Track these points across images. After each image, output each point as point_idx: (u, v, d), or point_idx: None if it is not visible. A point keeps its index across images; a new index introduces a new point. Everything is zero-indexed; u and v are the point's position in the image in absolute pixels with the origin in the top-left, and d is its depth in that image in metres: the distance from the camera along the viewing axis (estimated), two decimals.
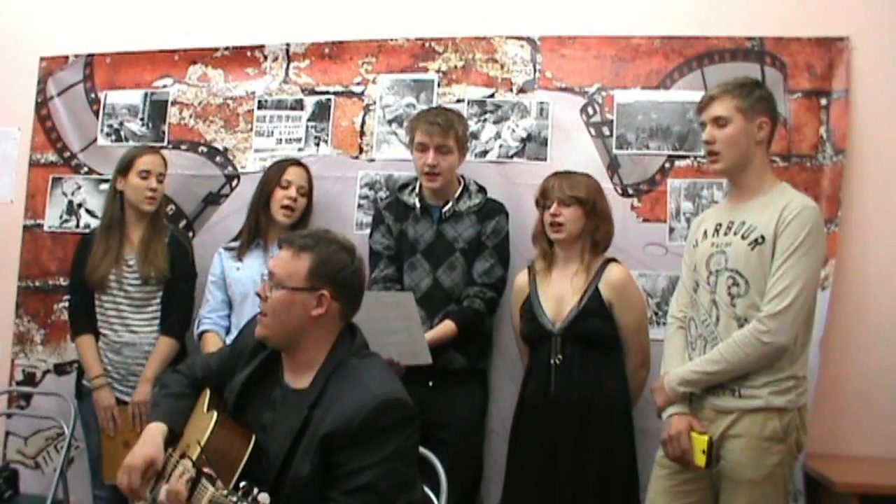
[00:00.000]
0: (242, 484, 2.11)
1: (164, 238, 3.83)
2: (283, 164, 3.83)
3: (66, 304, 4.13)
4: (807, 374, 2.91)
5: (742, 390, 2.82)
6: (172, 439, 2.54)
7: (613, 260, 3.41)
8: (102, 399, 3.74)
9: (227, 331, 3.78)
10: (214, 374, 2.67)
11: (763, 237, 2.82)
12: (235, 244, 3.86)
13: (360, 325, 2.58)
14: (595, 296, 3.30)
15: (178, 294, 3.83)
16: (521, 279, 3.54)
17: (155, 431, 2.52)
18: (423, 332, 3.37)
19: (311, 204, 3.85)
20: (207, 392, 2.62)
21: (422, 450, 2.71)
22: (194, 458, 2.26)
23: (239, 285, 3.75)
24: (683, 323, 3.07)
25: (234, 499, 2.03)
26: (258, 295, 2.46)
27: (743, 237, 2.87)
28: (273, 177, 3.79)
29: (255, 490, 2.05)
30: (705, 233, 3.02)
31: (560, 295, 3.36)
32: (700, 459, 2.81)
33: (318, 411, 2.34)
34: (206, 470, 2.16)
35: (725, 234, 2.94)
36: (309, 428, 2.32)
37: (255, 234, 3.79)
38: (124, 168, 3.81)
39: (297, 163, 3.87)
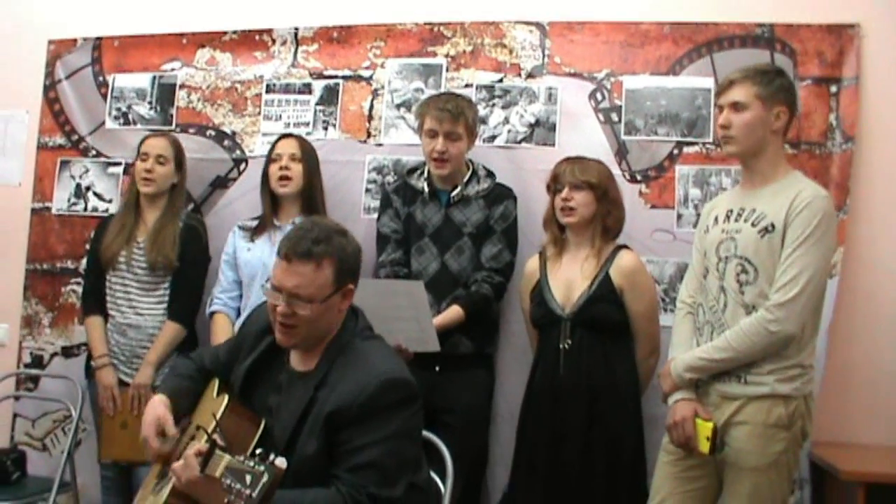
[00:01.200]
0: (258, 451, 2.13)
1: (177, 225, 3.83)
2: (274, 142, 3.86)
3: (82, 284, 4.14)
4: (814, 363, 2.91)
5: (748, 377, 2.82)
6: (176, 417, 2.56)
7: (625, 246, 3.41)
8: (104, 378, 3.75)
9: (238, 312, 3.79)
10: (222, 364, 2.68)
11: (773, 225, 2.81)
12: (252, 223, 3.85)
13: (370, 311, 2.59)
14: (605, 281, 3.30)
15: (186, 280, 3.82)
16: (531, 264, 3.54)
17: (156, 400, 2.56)
18: (432, 320, 3.37)
19: (311, 171, 3.80)
20: (216, 381, 2.64)
21: (428, 434, 2.72)
22: (209, 430, 2.28)
23: (248, 267, 3.75)
24: (692, 309, 3.06)
25: (252, 463, 2.04)
26: (283, 314, 2.38)
27: (753, 224, 2.86)
28: (267, 156, 3.83)
29: (272, 455, 2.07)
30: (716, 219, 3.01)
31: (570, 280, 3.36)
32: (704, 446, 2.81)
33: (323, 391, 2.36)
34: (219, 442, 2.18)
35: (736, 220, 2.92)
36: (314, 407, 2.34)
37: (269, 215, 3.80)
38: (136, 154, 3.86)
39: (286, 135, 3.89)
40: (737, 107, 2.90)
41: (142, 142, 3.87)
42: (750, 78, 2.91)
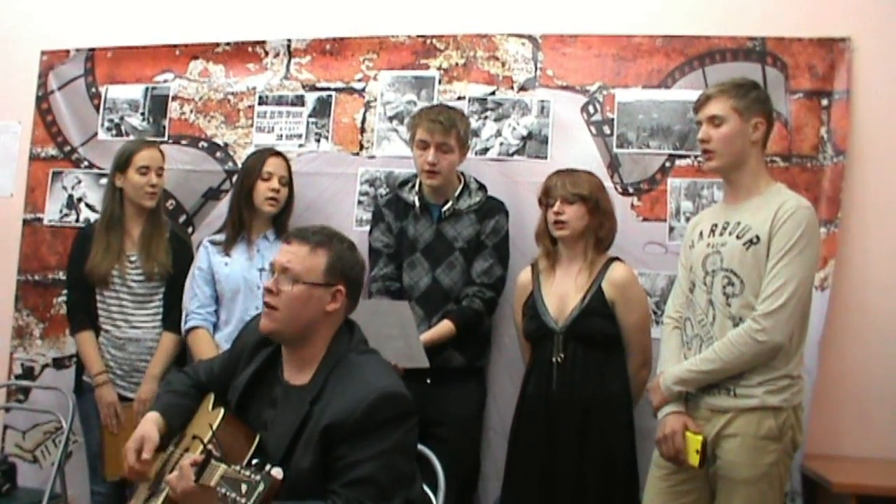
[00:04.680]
0: (255, 461, 2.14)
1: (165, 233, 3.83)
2: (262, 156, 3.82)
3: (65, 299, 4.13)
4: (802, 374, 2.92)
5: (737, 389, 2.83)
6: (170, 434, 2.55)
7: (617, 259, 3.42)
8: (105, 396, 3.74)
9: (216, 327, 3.77)
10: (217, 377, 2.69)
11: (758, 237, 2.84)
12: (221, 237, 3.82)
13: None
14: (598, 294, 3.30)
15: (180, 290, 3.82)
16: (523, 277, 3.54)
17: (148, 418, 2.55)
18: (419, 339, 3.38)
19: (292, 193, 3.84)
20: (211, 396, 2.63)
21: (420, 447, 2.72)
22: (206, 440, 2.27)
23: (229, 281, 3.73)
24: (679, 323, 3.08)
25: (248, 473, 2.04)
26: (268, 290, 2.43)
27: (738, 237, 2.88)
28: (253, 169, 3.78)
29: (268, 466, 2.07)
30: (701, 233, 3.03)
31: (563, 293, 3.36)
32: (694, 459, 2.81)
33: (318, 405, 2.36)
34: (215, 452, 2.18)
35: (721, 234, 2.95)
36: (310, 422, 2.34)
37: (239, 228, 3.78)
38: (123, 164, 3.81)
39: (275, 153, 3.87)
40: (714, 121, 2.94)
41: (132, 154, 3.81)
42: (725, 92, 2.95)
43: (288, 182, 3.81)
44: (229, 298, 3.75)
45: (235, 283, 3.72)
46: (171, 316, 3.80)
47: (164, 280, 3.80)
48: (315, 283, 2.42)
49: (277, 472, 2.05)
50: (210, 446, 2.25)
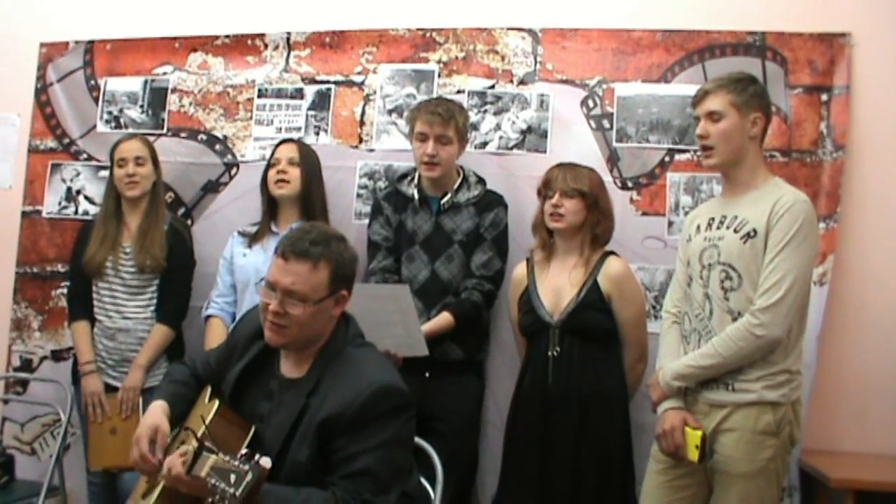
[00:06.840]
0: (244, 451, 2.16)
1: (163, 227, 3.82)
2: (274, 148, 3.85)
3: (66, 290, 4.13)
4: (800, 369, 2.91)
5: (735, 384, 2.83)
6: (174, 423, 2.55)
7: (613, 253, 3.42)
8: (89, 385, 3.74)
9: (233, 317, 3.77)
10: (214, 370, 2.68)
11: (755, 230, 2.83)
12: (252, 229, 3.84)
13: (357, 316, 2.59)
14: (594, 288, 3.30)
15: (174, 283, 3.82)
16: (519, 271, 3.54)
17: (156, 406, 2.54)
18: (419, 324, 3.37)
19: (310, 175, 3.77)
20: (208, 388, 2.63)
21: (418, 441, 2.72)
22: (199, 433, 2.28)
23: (242, 272, 3.75)
24: (678, 318, 3.07)
25: (237, 463, 2.06)
26: (275, 312, 2.39)
27: (735, 231, 2.88)
28: (267, 162, 3.83)
29: (257, 456, 2.08)
30: (698, 227, 3.03)
31: (558, 287, 3.36)
32: (693, 454, 2.81)
33: (315, 398, 2.37)
34: (207, 443, 2.18)
35: (718, 228, 2.94)
36: (306, 415, 2.35)
37: (267, 220, 3.80)
38: (111, 161, 3.85)
39: (284, 140, 3.89)
40: (713, 116, 2.93)
41: (113, 148, 3.85)
42: (724, 87, 2.94)
43: (299, 163, 3.76)
44: (241, 290, 3.77)
45: (247, 274, 3.72)
46: (164, 308, 3.80)
47: (158, 272, 3.79)
48: (322, 298, 2.40)
49: (266, 462, 2.07)
50: (202, 438, 2.26)
